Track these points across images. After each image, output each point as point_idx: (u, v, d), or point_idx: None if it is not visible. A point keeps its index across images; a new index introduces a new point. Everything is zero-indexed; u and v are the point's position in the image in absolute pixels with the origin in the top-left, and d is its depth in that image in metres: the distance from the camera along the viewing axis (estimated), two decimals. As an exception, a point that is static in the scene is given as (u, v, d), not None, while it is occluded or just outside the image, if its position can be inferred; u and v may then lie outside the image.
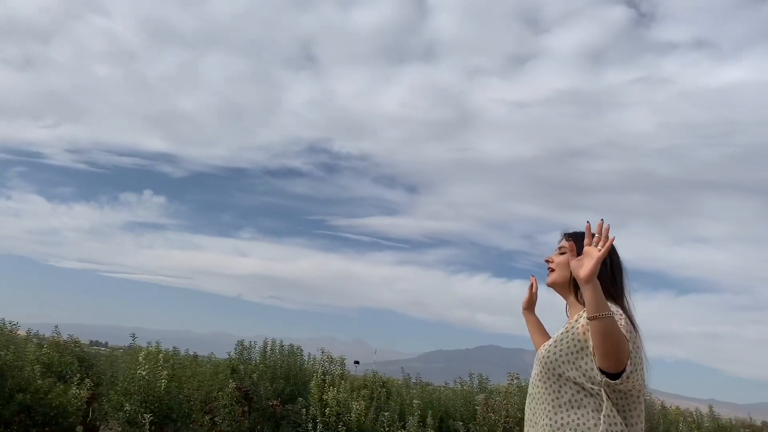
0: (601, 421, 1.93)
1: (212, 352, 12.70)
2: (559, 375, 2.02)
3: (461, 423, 8.67)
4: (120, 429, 7.90)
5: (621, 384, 1.92)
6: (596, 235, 1.96)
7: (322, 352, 11.05)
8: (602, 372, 1.93)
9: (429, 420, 9.06)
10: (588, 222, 2.00)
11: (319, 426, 9.03)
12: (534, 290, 2.57)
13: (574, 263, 1.97)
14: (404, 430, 8.08)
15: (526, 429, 2.14)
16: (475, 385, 13.88)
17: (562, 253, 2.32)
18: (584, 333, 2.01)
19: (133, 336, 9.01)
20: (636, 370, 1.93)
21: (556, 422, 2.00)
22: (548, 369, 2.07)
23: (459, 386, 14.65)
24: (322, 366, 10.58)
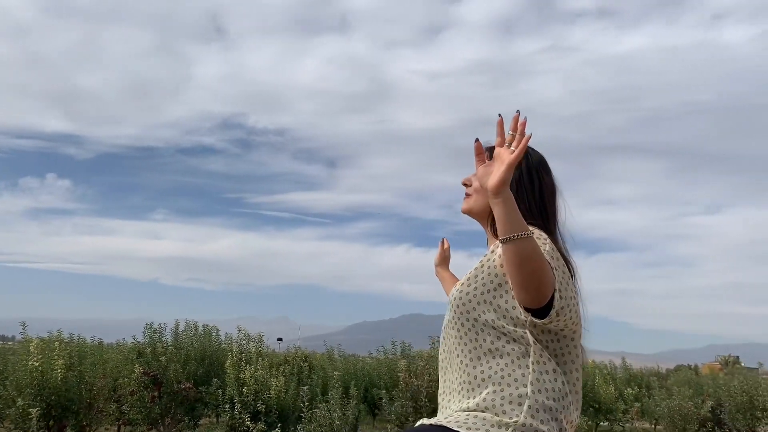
0: (530, 370, 1.54)
1: (123, 338, 12.05)
2: (475, 319, 1.63)
3: (384, 391, 8.47)
4: (13, 426, 7.20)
5: (550, 323, 1.54)
6: (509, 132, 1.51)
7: (239, 330, 10.65)
8: (526, 310, 1.56)
9: (352, 391, 8.84)
10: (500, 115, 1.52)
11: (237, 406, 8.62)
12: (446, 247, 2.29)
13: (481, 170, 1.56)
14: (327, 403, 7.80)
15: (441, 387, 1.73)
16: (398, 353, 13.88)
17: None
18: (502, 266, 1.60)
19: (24, 324, 8.24)
20: (567, 306, 1.55)
21: (475, 377, 1.59)
22: (461, 313, 1.66)
23: (383, 355, 14.65)
24: (239, 344, 10.18)
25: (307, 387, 8.09)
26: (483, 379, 1.58)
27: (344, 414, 7.53)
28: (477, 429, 1.48)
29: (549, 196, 1.77)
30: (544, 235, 1.63)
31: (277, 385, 8.91)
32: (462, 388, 1.62)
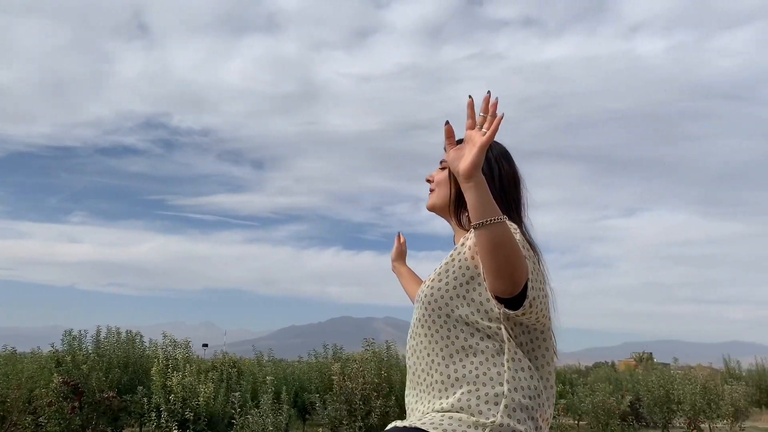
0: (505, 368, 1.49)
1: (38, 347, 11.44)
2: (448, 315, 1.57)
3: (317, 395, 8.37)
4: None
5: (523, 314, 1.49)
6: (480, 114, 1.45)
7: (165, 336, 10.29)
8: (499, 301, 1.51)
9: (283, 396, 8.69)
10: (470, 96, 1.46)
11: (164, 414, 8.32)
12: (402, 241, 2.23)
13: (452, 154, 1.47)
14: (258, 408, 7.63)
15: (409, 389, 1.65)
16: (329, 356, 13.78)
17: (443, 168, 1.83)
18: (473, 257, 1.56)
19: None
20: (538, 296, 1.51)
21: (448, 376, 1.53)
22: (433, 310, 1.59)
23: (314, 359, 14.50)
24: (165, 351, 9.83)
25: (238, 393, 7.88)
26: (457, 379, 1.52)
27: (276, 419, 7.38)
28: (453, 430, 1.43)
29: (511, 185, 1.73)
30: (514, 225, 1.59)
31: (206, 392, 8.66)
32: (433, 389, 1.56)
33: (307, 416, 13.98)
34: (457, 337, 1.56)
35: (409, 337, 1.70)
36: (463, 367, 1.53)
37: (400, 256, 2.21)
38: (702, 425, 12.45)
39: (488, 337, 1.53)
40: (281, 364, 15.38)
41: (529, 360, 1.54)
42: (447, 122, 1.52)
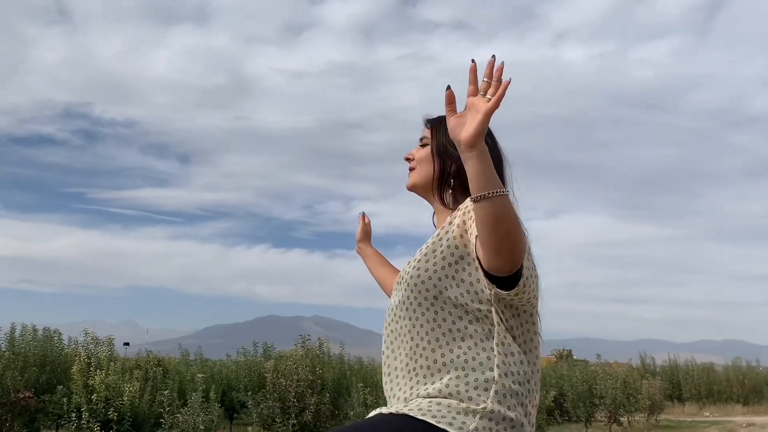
0: (495, 353, 1.42)
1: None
2: (435, 297, 1.49)
3: (249, 393, 8.19)
4: None
5: (516, 294, 1.42)
6: (484, 79, 1.34)
7: (86, 334, 9.85)
8: (491, 281, 1.42)
9: (212, 395, 8.46)
10: (473, 60, 1.35)
11: (85, 415, 7.95)
12: (366, 222, 2.14)
13: (453, 122, 1.35)
14: (186, 407, 7.40)
15: (386, 378, 1.55)
16: (259, 354, 13.57)
17: (424, 145, 1.74)
18: (461, 237, 1.48)
19: None
20: (530, 276, 1.44)
21: (435, 361, 1.45)
22: (419, 291, 1.51)
23: (243, 357, 14.25)
24: (86, 349, 9.41)
25: (168, 392, 7.63)
26: (444, 363, 1.45)
27: (206, 418, 7.18)
28: (443, 417, 1.36)
29: (495, 163, 1.59)
30: None
31: (130, 391, 8.34)
32: (417, 374, 1.48)
33: (234, 415, 13.72)
34: (444, 320, 1.49)
35: (387, 322, 1.61)
36: (451, 351, 1.46)
37: (366, 236, 2.13)
38: (621, 418, 12.98)
39: (477, 320, 1.47)
40: (208, 363, 15.03)
41: (518, 344, 1.48)
42: (448, 87, 1.39)
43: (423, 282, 1.52)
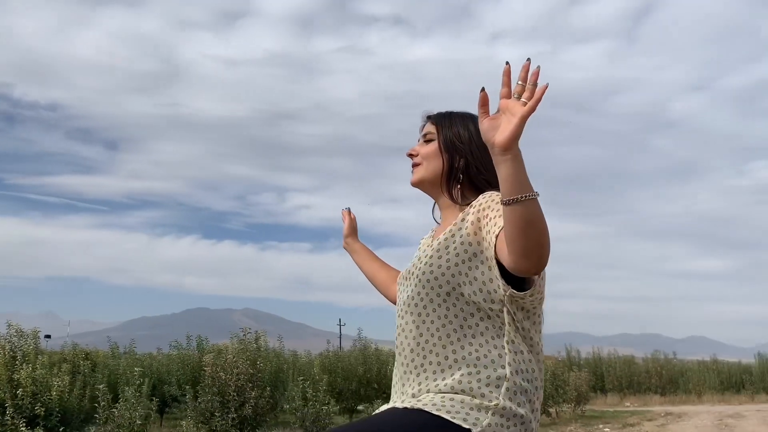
0: (506, 350, 1.45)
1: None
2: (448, 293, 1.51)
3: (189, 386, 8.02)
4: None
5: (531, 295, 1.45)
6: (518, 82, 1.32)
7: (9, 326, 9.40)
8: (507, 282, 1.46)
9: (144, 388, 8.24)
10: (507, 63, 1.34)
11: (10, 410, 7.58)
12: (352, 217, 2.13)
13: (486, 124, 1.33)
14: (120, 402, 7.18)
15: (396, 372, 1.58)
16: (192, 347, 13.29)
17: (428, 141, 1.74)
18: (475, 234, 1.50)
19: None
20: (543, 277, 1.47)
21: (446, 357, 1.47)
22: (432, 287, 1.51)
23: (176, 350, 13.91)
24: (10, 342, 8.98)
25: (103, 386, 7.36)
26: (455, 360, 1.47)
27: (141, 413, 6.99)
28: (457, 412, 1.38)
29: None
30: None
31: (59, 386, 8.01)
32: (426, 370, 1.50)
33: (166, 410, 13.38)
34: (456, 316, 1.50)
35: (398, 317, 1.63)
36: (462, 348, 1.48)
37: (353, 231, 2.12)
38: (550, 409, 13.42)
39: (488, 317, 1.49)
40: (138, 356, 14.60)
41: (526, 343, 1.51)
42: (483, 89, 1.36)
43: (436, 278, 1.53)
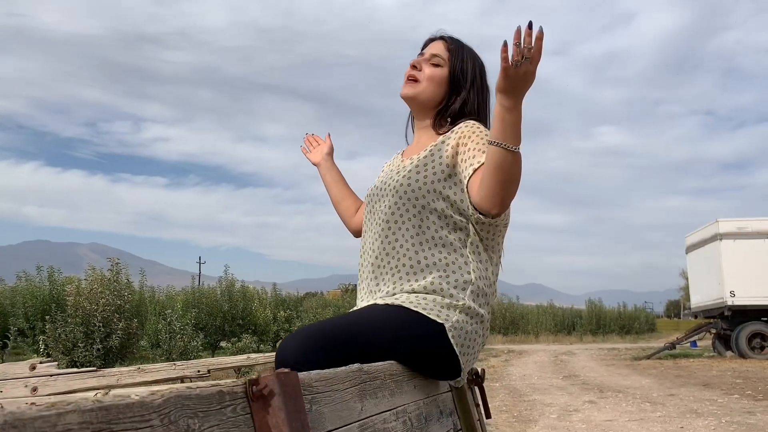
0: (470, 258, 1.64)
1: None
2: (423, 207, 1.67)
3: (49, 317, 7.59)
4: None
5: (495, 221, 1.64)
6: (514, 44, 1.35)
7: None
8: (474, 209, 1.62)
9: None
10: (506, 42, 1.36)
11: None
12: (329, 144, 2.16)
13: (502, 73, 1.38)
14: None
15: (367, 274, 1.72)
16: (44, 278, 12.56)
17: (434, 65, 1.79)
18: (453, 157, 1.66)
19: None
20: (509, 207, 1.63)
21: (418, 262, 1.64)
22: (408, 199, 1.67)
23: (24, 282, 13.07)
24: None
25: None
26: (427, 265, 1.63)
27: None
28: (431, 309, 1.55)
29: (489, 101, 1.81)
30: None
31: None
32: (399, 271, 1.65)
33: (11, 343, 12.62)
34: (428, 228, 1.66)
35: (371, 223, 1.76)
36: (433, 255, 1.64)
37: (331, 151, 2.16)
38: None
39: (456, 230, 1.66)
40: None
41: (488, 254, 1.68)
42: (505, 42, 1.38)
43: (413, 191, 1.68)
